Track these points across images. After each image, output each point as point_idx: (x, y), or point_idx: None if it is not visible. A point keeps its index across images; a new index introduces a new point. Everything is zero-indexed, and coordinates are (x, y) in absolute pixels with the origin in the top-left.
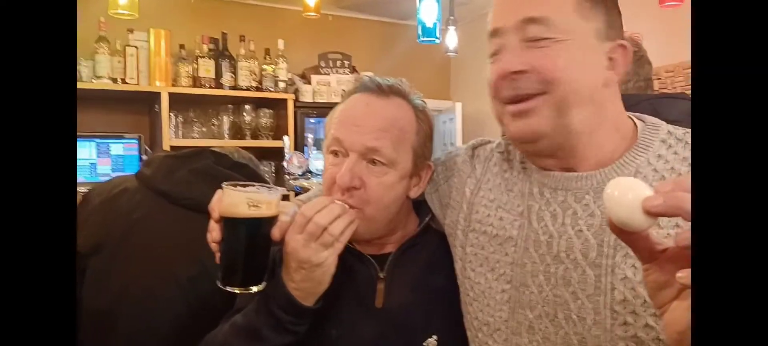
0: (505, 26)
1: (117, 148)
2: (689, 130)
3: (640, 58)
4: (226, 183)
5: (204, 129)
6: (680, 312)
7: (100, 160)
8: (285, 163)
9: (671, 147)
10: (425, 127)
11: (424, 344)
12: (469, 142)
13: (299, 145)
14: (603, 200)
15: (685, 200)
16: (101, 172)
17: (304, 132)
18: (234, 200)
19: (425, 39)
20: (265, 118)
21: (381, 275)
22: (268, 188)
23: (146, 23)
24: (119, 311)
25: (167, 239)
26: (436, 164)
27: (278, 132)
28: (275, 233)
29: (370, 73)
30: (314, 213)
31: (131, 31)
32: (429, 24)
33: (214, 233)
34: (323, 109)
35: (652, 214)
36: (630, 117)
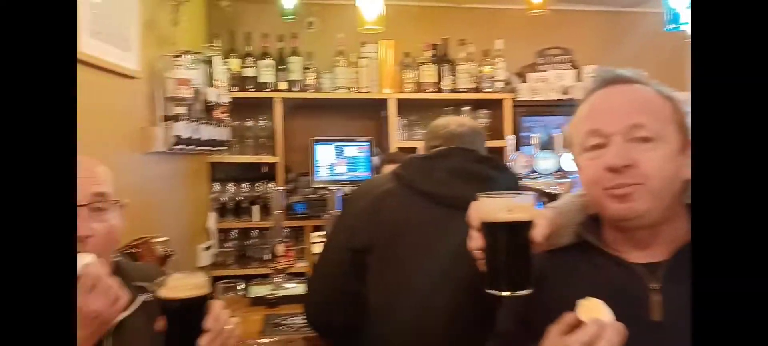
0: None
1: (351, 150)
2: None
3: None
4: (481, 193)
5: (425, 130)
6: None
7: (337, 161)
8: (510, 164)
9: None
10: (679, 107)
11: None
12: None
13: (516, 144)
14: None
15: None
16: (338, 172)
17: (520, 131)
18: (492, 207)
19: (671, 26)
20: (483, 118)
21: (655, 286)
22: (522, 193)
23: (376, 35)
24: (397, 303)
25: (435, 236)
26: None
27: (495, 132)
28: (536, 235)
29: (595, 66)
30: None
31: (364, 44)
32: (680, 10)
33: (477, 240)
34: (541, 107)
35: None
36: None
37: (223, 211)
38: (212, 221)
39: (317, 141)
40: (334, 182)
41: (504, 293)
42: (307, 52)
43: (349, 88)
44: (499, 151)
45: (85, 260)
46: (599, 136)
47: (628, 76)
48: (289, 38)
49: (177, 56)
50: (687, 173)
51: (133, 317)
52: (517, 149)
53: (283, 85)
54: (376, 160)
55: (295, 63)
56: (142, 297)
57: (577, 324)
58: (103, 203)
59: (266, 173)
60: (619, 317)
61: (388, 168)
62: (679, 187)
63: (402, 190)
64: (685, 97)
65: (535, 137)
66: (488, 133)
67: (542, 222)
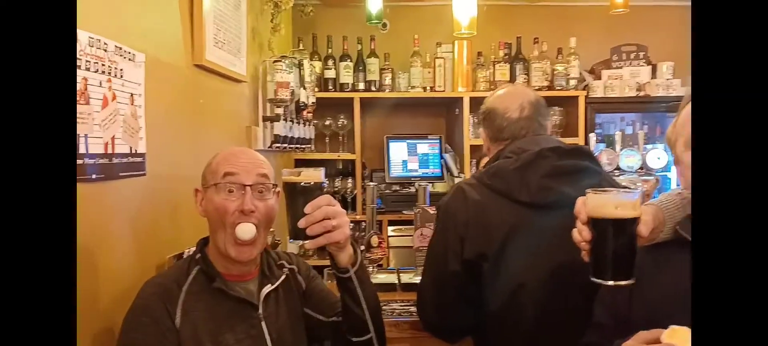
0: None
1: (423, 147)
2: None
3: None
4: (589, 189)
5: (483, 118)
6: None
7: (409, 158)
8: None
9: None
10: None
11: None
12: None
13: (588, 142)
14: None
15: None
16: (410, 168)
17: (594, 128)
18: (600, 203)
19: None
20: (556, 115)
21: None
22: (627, 190)
23: (450, 35)
24: (515, 307)
25: (542, 238)
26: None
27: (568, 129)
28: (642, 230)
29: (671, 63)
30: None
31: (439, 44)
32: None
33: (584, 233)
34: (615, 104)
35: None
36: None
37: None
38: None
39: (391, 138)
40: (407, 179)
41: (609, 283)
42: (385, 53)
43: (423, 88)
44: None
45: (249, 228)
46: None
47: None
48: (367, 40)
49: (277, 61)
50: None
51: (278, 287)
52: (591, 146)
53: (361, 86)
54: (447, 156)
55: (372, 64)
56: (285, 271)
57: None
58: (265, 186)
59: (342, 169)
60: None
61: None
62: None
63: (499, 200)
64: None
65: (619, 135)
66: (559, 130)
67: (647, 219)
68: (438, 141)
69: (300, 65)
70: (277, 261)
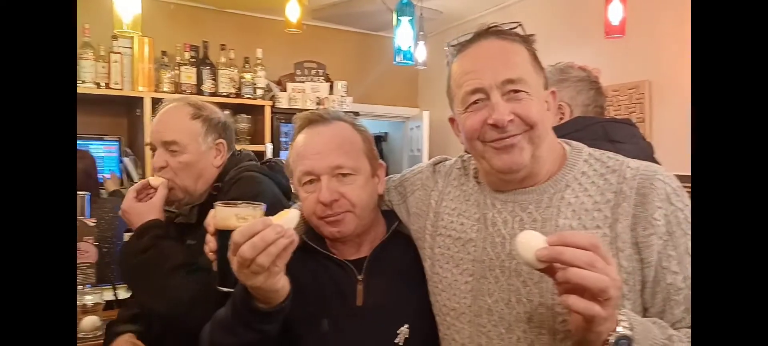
0: (488, 85)
1: (98, 149)
2: (605, 152)
3: (597, 89)
4: (217, 202)
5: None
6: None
7: None
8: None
9: (591, 165)
10: (368, 137)
11: (398, 332)
12: (430, 160)
13: (275, 149)
14: (514, 245)
15: (563, 251)
16: None
17: (280, 136)
18: (224, 215)
19: (402, 61)
20: (243, 123)
21: (359, 278)
22: (253, 204)
23: None
24: None
25: None
26: (403, 180)
27: (255, 136)
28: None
29: (345, 82)
30: (243, 242)
31: (115, 38)
32: (405, 47)
33: (211, 243)
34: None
35: (542, 259)
36: (560, 143)
37: None
38: None
39: None
40: None
41: (231, 290)
42: None
43: (97, 83)
44: (260, 157)
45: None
46: (312, 175)
47: (326, 117)
48: None
49: None
50: (380, 189)
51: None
52: (278, 155)
53: None
54: (127, 161)
55: None
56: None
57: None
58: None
59: None
60: (338, 304)
61: None
62: (375, 202)
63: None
64: (414, 115)
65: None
66: (247, 137)
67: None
68: (117, 143)
69: None
70: None
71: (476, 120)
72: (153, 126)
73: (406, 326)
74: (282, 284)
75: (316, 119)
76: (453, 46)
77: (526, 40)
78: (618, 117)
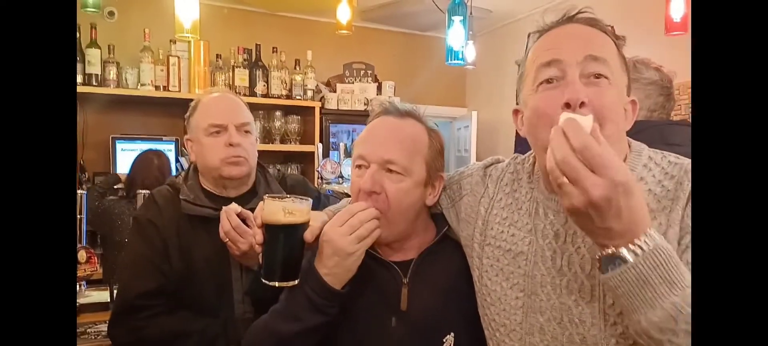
0: (566, 59)
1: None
2: (666, 155)
3: (667, 95)
4: (266, 195)
5: None
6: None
7: None
8: (319, 169)
9: (650, 170)
10: (437, 140)
11: (443, 340)
12: (482, 161)
13: (324, 149)
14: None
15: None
16: None
17: (329, 136)
18: (272, 209)
19: (453, 62)
20: (294, 123)
21: (405, 281)
22: (301, 198)
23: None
24: None
25: None
26: (452, 182)
27: (305, 137)
28: (307, 236)
29: (392, 83)
30: (357, 210)
31: (174, 42)
32: (457, 47)
33: (258, 236)
34: (347, 116)
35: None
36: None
37: None
38: None
39: (118, 139)
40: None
41: (276, 284)
42: (109, 44)
43: (155, 86)
44: (309, 156)
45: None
46: (364, 160)
47: (400, 110)
48: (86, 28)
49: None
50: (430, 201)
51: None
52: (327, 155)
53: (78, 78)
54: (183, 160)
55: (93, 55)
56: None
57: None
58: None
59: None
60: (382, 307)
61: None
62: (416, 212)
63: None
64: (462, 115)
65: (343, 146)
66: (297, 137)
67: (315, 225)
68: (173, 143)
69: None
70: None
71: (546, 98)
72: None
73: (452, 334)
74: (360, 261)
75: (390, 111)
76: (536, 32)
77: (616, 36)
78: (674, 120)
